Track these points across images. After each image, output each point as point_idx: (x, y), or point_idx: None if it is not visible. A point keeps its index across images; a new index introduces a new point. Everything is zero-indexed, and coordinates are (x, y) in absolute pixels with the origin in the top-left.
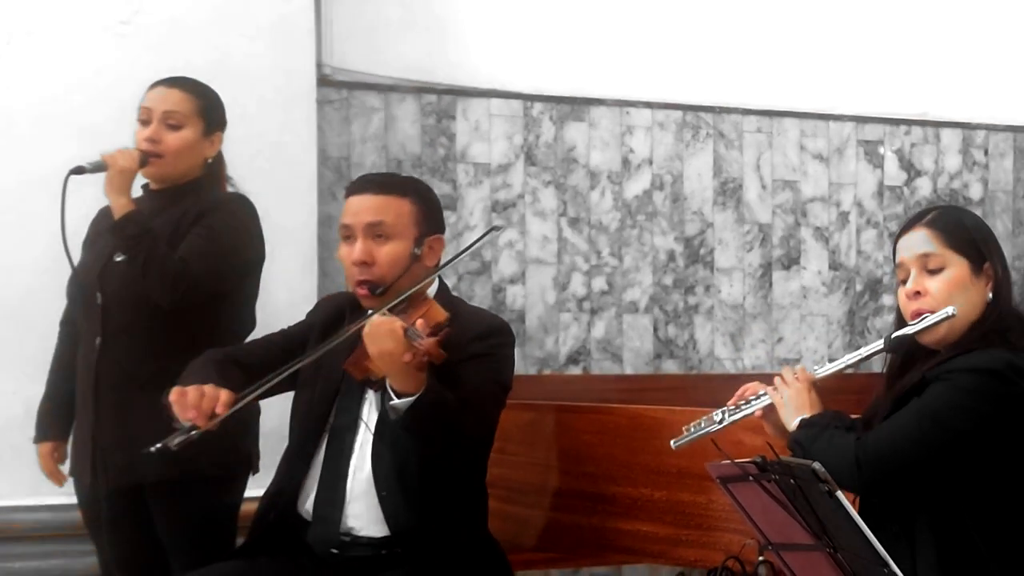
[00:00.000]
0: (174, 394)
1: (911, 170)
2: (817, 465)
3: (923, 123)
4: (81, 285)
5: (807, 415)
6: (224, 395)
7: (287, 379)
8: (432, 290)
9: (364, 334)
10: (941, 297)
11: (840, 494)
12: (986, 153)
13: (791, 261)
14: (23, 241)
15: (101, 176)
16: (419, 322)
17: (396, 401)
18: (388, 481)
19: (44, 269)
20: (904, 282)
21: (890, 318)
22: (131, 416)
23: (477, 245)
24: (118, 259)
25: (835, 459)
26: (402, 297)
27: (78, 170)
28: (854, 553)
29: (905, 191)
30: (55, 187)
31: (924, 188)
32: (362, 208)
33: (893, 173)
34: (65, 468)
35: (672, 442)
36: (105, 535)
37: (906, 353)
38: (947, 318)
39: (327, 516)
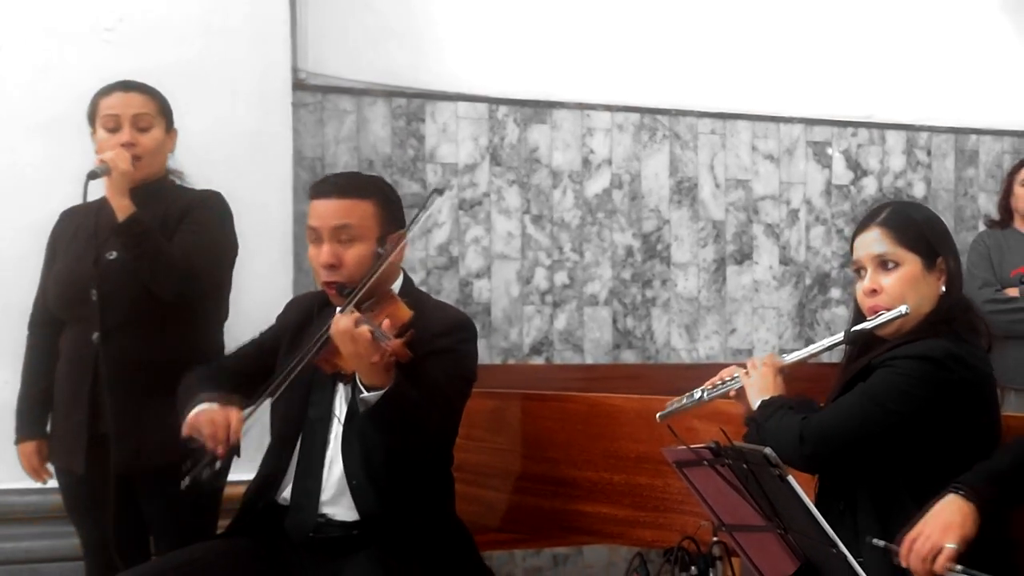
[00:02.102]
0: (188, 428)
1: (858, 170)
2: (768, 450)
3: (869, 125)
4: (68, 283)
5: (768, 397)
6: (234, 416)
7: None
8: (397, 285)
9: (332, 334)
10: (895, 294)
11: (791, 478)
12: (929, 154)
13: (743, 256)
14: (14, 236)
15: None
16: (385, 323)
17: (366, 394)
18: (358, 470)
19: (35, 263)
20: (859, 273)
21: (837, 310)
22: (136, 404)
23: (424, 214)
24: (111, 256)
25: (782, 435)
26: (360, 292)
27: (92, 174)
28: (803, 533)
29: (852, 190)
30: (45, 186)
31: (870, 187)
32: (327, 212)
33: (840, 173)
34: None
35: (657, 415)
36: (111, 519)
37: (863, 343)
38: (900, 316)
39: (304, 504)
